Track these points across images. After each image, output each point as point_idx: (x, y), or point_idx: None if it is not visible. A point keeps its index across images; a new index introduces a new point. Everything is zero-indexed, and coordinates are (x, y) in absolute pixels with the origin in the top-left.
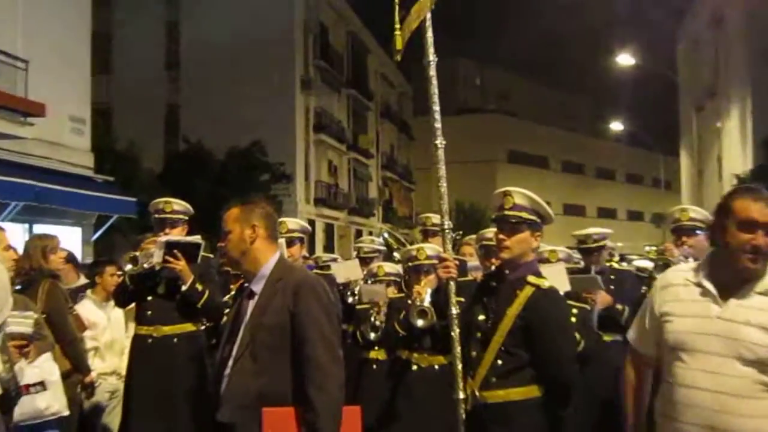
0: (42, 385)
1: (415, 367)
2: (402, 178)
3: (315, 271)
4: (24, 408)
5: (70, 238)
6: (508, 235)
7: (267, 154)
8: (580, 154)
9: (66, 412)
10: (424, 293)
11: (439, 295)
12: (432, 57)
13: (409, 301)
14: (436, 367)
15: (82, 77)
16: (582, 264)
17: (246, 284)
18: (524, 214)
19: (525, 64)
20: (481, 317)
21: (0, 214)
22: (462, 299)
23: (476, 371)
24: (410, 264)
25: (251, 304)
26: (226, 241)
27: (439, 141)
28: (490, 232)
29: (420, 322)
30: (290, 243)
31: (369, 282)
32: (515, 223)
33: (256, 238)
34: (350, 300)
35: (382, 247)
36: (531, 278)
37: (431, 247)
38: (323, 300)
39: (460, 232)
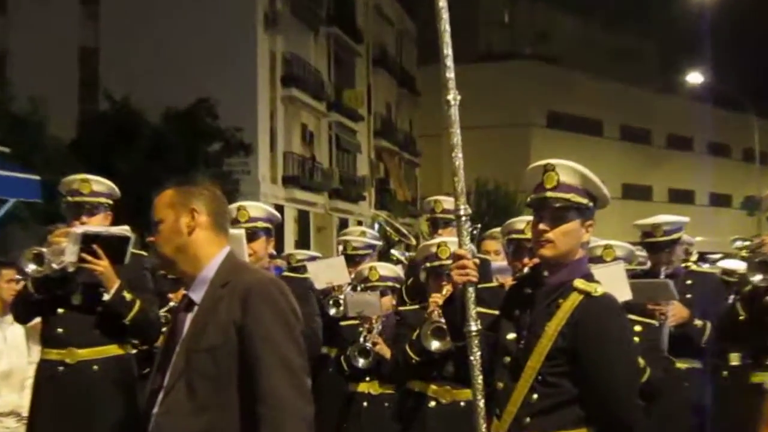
0: None
1: (432, 404)
2: (402, 148)
3: (285, 274)
4: None
5: None
6: (550, 225)
7: (218, 116)
8: (645, 117)
9: None
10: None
11: (454, 307)
12: None
13: (426, 315)
14: (462, 404)
15: None
16: (648, 264)
17: (185, 292)
18: (572, 197)
19: None
20: (511, 336)
21: None
22: (485, 311)
23: (504, 409)
24: (429, 265)
25: (189, 318)
26: (157, 233)
27: (452, 96)
28: (522, 221)
29: (435, 344)
30: (252, 236)
31: (358, 289)
32: (560, 209)
33: (195, 228)
34: (332, 312)
35: (376, 242)
36: (579, 283)
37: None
38: (281, 307)
39: (478, 225)
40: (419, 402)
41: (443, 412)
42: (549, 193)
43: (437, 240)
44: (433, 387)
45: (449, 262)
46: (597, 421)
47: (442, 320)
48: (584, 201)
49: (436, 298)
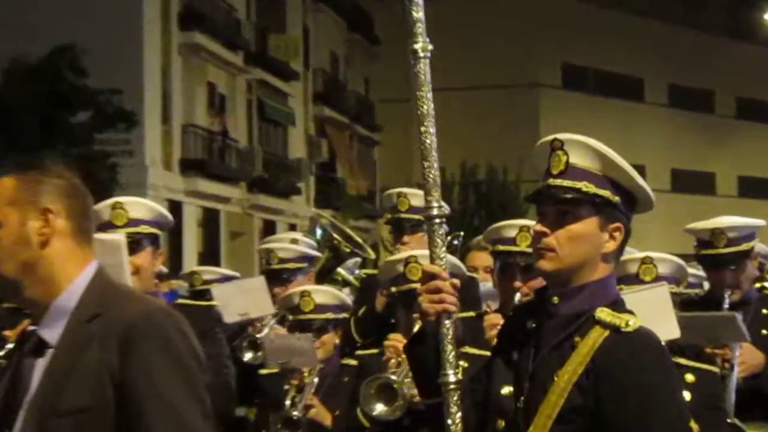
0: None
1: None
2: (355, 120)
3: (182, 301)
4: None
5: None
6: (552, 227)
7: (87, 72)
8: (704, 73)
9: None
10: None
11: (423, 349)
12: None
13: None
14: None
15: None
16: (705, 287)
17: (32, 328)
18: (585, 186)
19: None
20: (507, 390)
21: None
22: (474, 352)
23: None
24: (396, 290)
25: (39, 366)
26: None
27: (421, 45)
28: (513, 227)
29: (379, 409)
30: (133, 246)
31: (285, 325)
32: (566, 202)
33: (49, 237)
34: (248, 357)
35: (314, 252)
36: (602, 313)
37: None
38: (179, 353)
39: (460, 233)
40: None
41: None
42: (552, 180)
43: (405, 254)
44: None
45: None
46: None
47: (394, 375)
48: (605, 193)
49: (396, 339)
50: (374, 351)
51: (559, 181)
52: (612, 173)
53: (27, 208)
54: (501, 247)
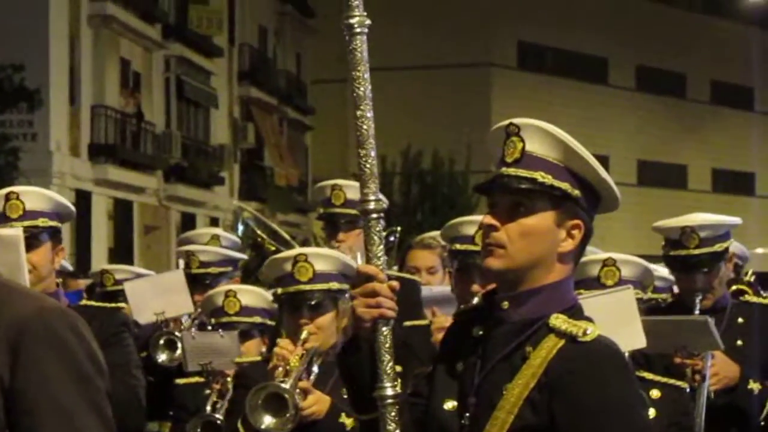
0: None
1: None
2: (285, 101)
3: (86, 302)
4: None
5: None
6: (503, 220)
7: None
8: (675, 54)
9: None
10: (298, 360)
11: (357, 358)
12: None
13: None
14: None
15: None
16: (674, 291)
17: None
18: (542, 176)
19: None
20: (451, 405)
21: None
22: (407, 364)
23: None
24: (282, 291)
25: None
26: None
27: (358, 19)
28: (473, 223)
29: (267, 421)
30: (31, 241)
31: (209, 328)
32: (522, 193)
33: None
34: (163, 358)
35: (239, 255)
36: (558, 320)
37: (327, 255)
38: (75, 356)
39: (397, 228)
40: None
41: None
42: (506, 169)
43: (293, 251)
44: None
45: (312, 287)
46: None
47: (287, 384)
48: (564, 185)
49: (284, 347)
50: (257, 359)
51: (513, 170)
52: (573, 164)
53: None
54: (459, 246)
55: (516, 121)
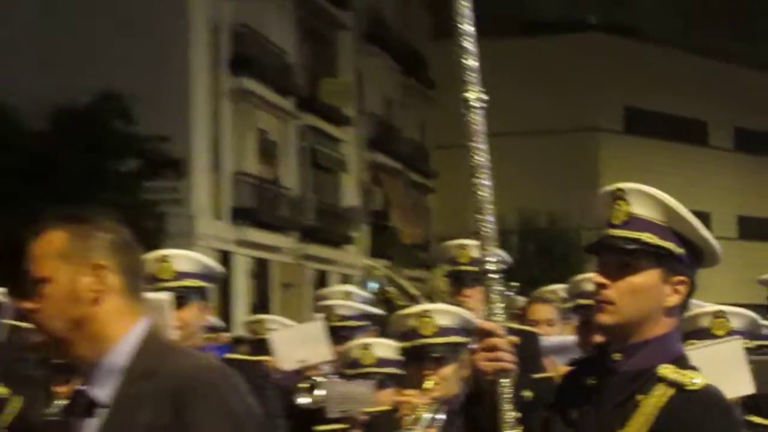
0: None
1: None
2: (409, 166)
3: (230, 356)
4: None
5: None
6: (612, 278)
7: (134, 119)
8: None
9: None
10: (424, 407)
11: (480, 408)
12: None
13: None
14: None
15: None
16: None
17: (81, 387)
18: (647, 237)
19: None
20: None
21: None
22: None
23: None
24: (408, 345)
25: (91, 426)
26: (41, 299)
27: (475, 94)
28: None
29: None
30: (180, 300)
31: (345, 377)
32: (626, 254)
33: (101, 294)
34: (305, 401)
35: (374, 310)
36: (666, 370)
37: (450, 312)
38: (234, 412)
39: (515, 284)
40: None
41: None
42: (613, 231)
43: (418, 307)
44: None
45: (435, 341)
46: None
47: (416, 430)
48: (668, 245)
49: (414, 396)
50: (387, 408)
51: (619, 232)
52: (675, 224)
53: (78, 264)
54: (581, 301)
55: (622, 185)
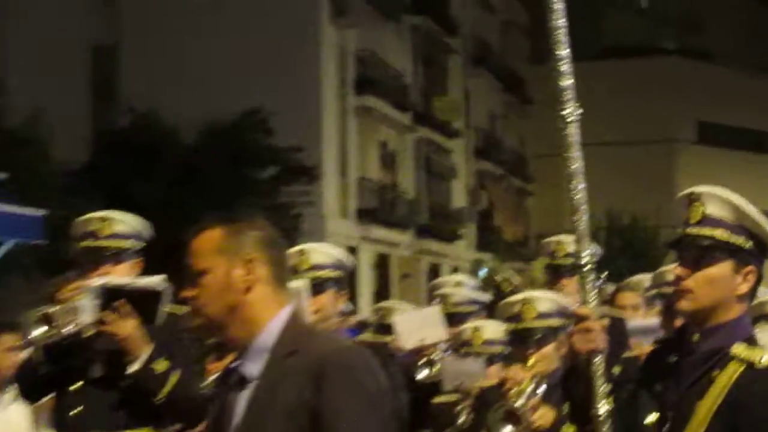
0: None
1: None
2: (511, 172)
3: (363, 337)
4: None
5: None
6: (689, 271)
7: (272, 132)
8: None
9: None
10: (527, 381)
11: (576, 382)
12: None
13: (503, 393)
14: None
15: None
16: None
17: (234, 364)
18: (721, 234)
19: None
20: (652, 419)
21: None
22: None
23: None
24: (512, 327)
25: (243, 398)
26: (200, 287)
27: (570, 110)
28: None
29: (507, 431)
30: (317, 288)
31: (458, 355)
32: (702, 249)
33: (252, 284)
34: (424, 374)
35: (482, 296)
36: (738, 349)
37: (548, 299)
38: (368, 388)
39: (605, 273)
40: None
41: None
42: (690, 229)
43: (522, 296)
44: None
45: (538, 324)
46: None
47: (520, 401)
48: (738, 240)
49: (518, 372)
50: (494, 382)
51: (696, 230)
52: (745, 222)
53: (233, 257)
54: (664, 290)
55: (697, 189)
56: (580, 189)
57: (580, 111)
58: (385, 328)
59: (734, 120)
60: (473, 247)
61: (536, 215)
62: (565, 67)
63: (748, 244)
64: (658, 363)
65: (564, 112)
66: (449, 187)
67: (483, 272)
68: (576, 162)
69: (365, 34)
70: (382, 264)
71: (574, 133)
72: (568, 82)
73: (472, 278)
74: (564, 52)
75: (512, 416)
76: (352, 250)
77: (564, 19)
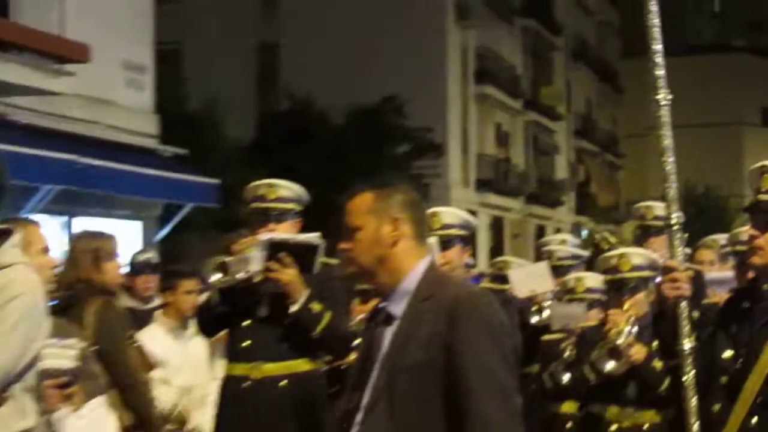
0: None
1: (614, 427)
2: (604, 149)
3: (484, 284)
4: None
5: (126, 237)
6: (760, 231)
7: (406, 115)
8: None
9: None
10: (624, 323)
11: (664, 323)
12: None
13: (604, 333)
14: (645, 426)
15: (140, 7)
16: None
17: (381, 305)
18: None
19: None
20: (728, 354)
21: (26, 202)
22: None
23: None
24: (609, 278)
25: (388, 333)
26: (354, 241)
27: (663, 95)
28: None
29: (610, 365)
30: (446, 244)
31: (563, 301)
32: (759, 211)
33: (399, 239)
34: (535, 319)
35: (582, 252)
36: None
37: (640, 253)
38: (493, 326)
39: (685, 235)
40: (599, 425)
41: None
42: (762, 196)
43: (618, 251)
44: (613, 410)
45: (632, 275)
46: None
47: (619, 340)
48: None
49: (617, 315)
50: (595, 323)
51: (765, 197)
52: None
53: (382, 216)
54: (739, 248)
55: (766, 162)
56: (670, 162)
57: (671, 97)
58: (501, 279)
59: None
60: (572, 211)
61: (625, 185)
62: (659, 59)
63: None
64: (734, 308)
65: (658, 97)
66: (553, 161)
67: (584, 233)
68: (667, 139)
69: (484, 34)
70: (496, 226)
71: (665, 114)
72: (660, 72)
73: (575, 237)
74: (658, 47)
75: (614, 352)
76: (472, 214)
77: (658, 19)
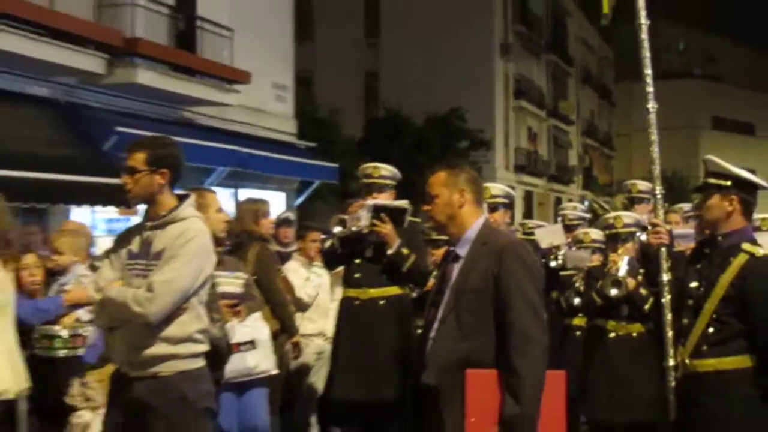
0: (252, 344)
1: (612, 335)
2: (602, 144)
3: (519, 237)
4: (234, 365)
5: (274, 203)
6: (701, 202)
7: (466, 120)
8: None
9: (274, 371)
10: (620, 262)
11: (649, 262)
12: (644, 20)
13: (606, 270)
14: (634, 335)
15: (284, 45)
16: None
17: (451, 248)
18: (713, 180)
19: (734, 27)
20: (694, 284)
21: (207, 178)
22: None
23: (687, 339)
24: (607, 232)
25: (456, 267)
26: (433, 204)
27: (651, 105)
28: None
29: (614, 292)
30: (494, 208)
31: (574, 248)
32: (704, 188)
33: (464, 203)
34: (553, 264)
35: (587, 214)
36: (745, 246)
37: (629, 215)
38: (527, 263)
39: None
40: (601, 334)
41: (619, 341)
42: (705, 179)
43: (614, 213)
44: (612, 323)
45: (624, 230)
46: (758, 350)
47: (620, 275)
48: (720, 182)
49: (615, 257)
50: (598, 264)
51: (707, 179)
52: (725, 171)
53: (452, 188)
54: (698, 212)
55: (705, 157)
56: (656, 151)
57: (656, 107)
58: (527, 233)
59: (735, 116)
60: (580, 187)
61: (616, 170)
62: (650, 80)
63: (727, 183)
64: (699, 253)
65: (648, 106)
66: (567, 153)
67: (587, 203)
68: (653, 135)
69: (520, 65)
70: (527, 197)
71: (653, 118)
72: (650, 88)
73: (582, 205)
74: (648, 71)
75: (616, 282)
76: (511, 189)
77: (648, 50)
